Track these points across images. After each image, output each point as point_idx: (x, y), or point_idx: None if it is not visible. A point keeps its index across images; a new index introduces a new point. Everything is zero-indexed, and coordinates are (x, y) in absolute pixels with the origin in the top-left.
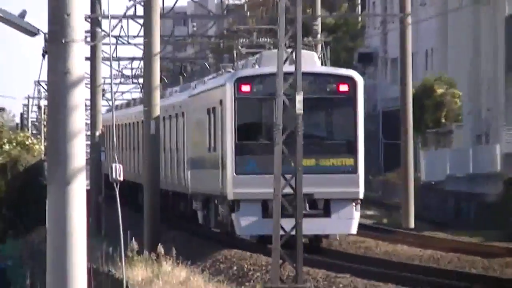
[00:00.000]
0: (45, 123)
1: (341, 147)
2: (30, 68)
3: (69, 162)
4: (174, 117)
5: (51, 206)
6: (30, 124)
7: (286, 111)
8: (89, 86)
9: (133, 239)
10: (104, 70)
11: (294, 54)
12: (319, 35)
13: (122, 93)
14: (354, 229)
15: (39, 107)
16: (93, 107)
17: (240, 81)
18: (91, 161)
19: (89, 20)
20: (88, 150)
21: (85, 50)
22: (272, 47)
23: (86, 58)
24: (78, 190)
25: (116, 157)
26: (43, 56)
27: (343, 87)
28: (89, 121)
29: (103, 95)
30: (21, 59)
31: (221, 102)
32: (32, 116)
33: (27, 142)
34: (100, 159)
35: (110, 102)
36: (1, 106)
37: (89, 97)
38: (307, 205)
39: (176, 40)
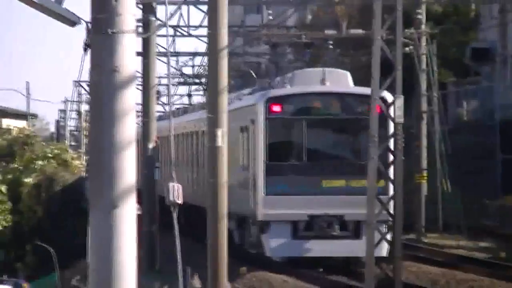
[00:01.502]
0: (86, 132)
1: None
2: (68, 65)
3: (116, 180)
4: (196, 133)
5: (94, 235)
6: (68, 134)
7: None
8: (141, 87)
9: (195, 276)
10: (159, 67)
11: (395, 52)
12: (423, 26)
13: (181, 96)
14: (385, 252)
15: (79, 113)
16: (145, 113)
17: (271, 101)
18: (142, 179)
19: (141, 6)
20: (140, 166)
21: (137, 43)
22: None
23: (138, 53)
24: (127, 215)
25: (174, 174)
26: (85, 50)
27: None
28: (140, 131)
29: (158, 98)
30: (58, 54)
31: (252, 121)
32: (71, 124)
33: (64, 156)
34: (153, 177)
35: (167, 107)
36: (32, 112)
37: (140, 100)
38: (338, 226)
39: (247, 31)
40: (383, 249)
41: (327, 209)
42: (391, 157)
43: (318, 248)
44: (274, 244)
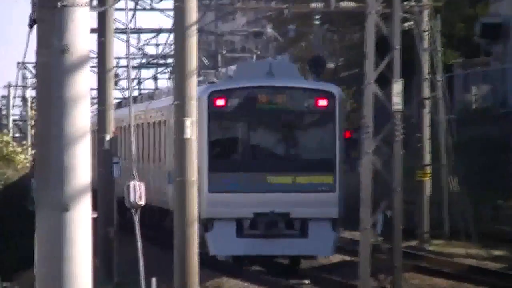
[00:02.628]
0: (33, 122)
1: (320, 164)
2: (12, 44)
3: (66, 179)
4: (157, 124)
5: (42, 242)
6: (11, 125)
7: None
8: (96, 69)
9: None
10: (118, 47)
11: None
12: None
13: (143, 80)
14: (332, 251)
15: (24, 100)
16: (101, 99)
17: (214, 95)
18: (98, 177)
19: None
20: (95, 162)
21: (91, 19)
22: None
23: (92, 30)
24: (80, 219)
25: (135, 171)
26: (31, 27)
27: (322, 102)
28: (95, 120)
29: (116, 83)
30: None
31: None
32: (15, 112)
33: (6, 150)
34: (112, 175)
35: (126, 93)
36: None
37: (95, 85)
38: (284, 225)
39: (220, 5)
40: (330, 248)
41: (273, 206)
42: (339, 151)
43: (263, 247)
44: (218, 242)
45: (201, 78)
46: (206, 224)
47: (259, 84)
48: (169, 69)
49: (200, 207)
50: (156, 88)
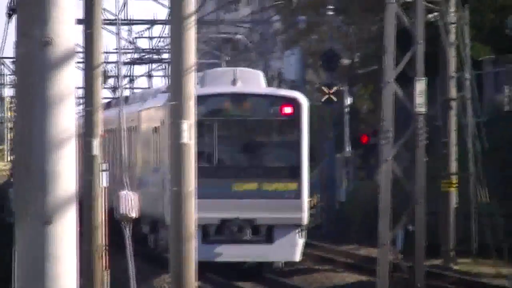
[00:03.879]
0: (10, 124)
1: (284, 171)
2: None
3: (49, 187)
4: (130, 130)
5: (21, 259)
6: None
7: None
8: (82, 65)
9: None
10: (107, 40)
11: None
12: None
13: (134, 78)
14: (297, 257)
15: (0, 99)
16: (88, 99)
17: None
18: (85, 186)
19: None
20: (81, 169)
21: (77, 8)
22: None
23: (78, 21)
24: (66, 232)
25: (126, 179)
26: (9, 16)
27: (287, 109)
28: (82, 122)
29: (105, 80)
30: None
31: (162, 122)
32: None
33: None
34: (100, 184)
35: (117, 92)
36: None
37: (82, 83)
38: (249, 230)
39: None
40: (296, 254)
41: (239, 213)
42: (304, 158)
43: (229, 252)
44: None
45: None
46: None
47: (224, 91)
48: (164, 66)
49: (164, 213)
50: (149, 87)
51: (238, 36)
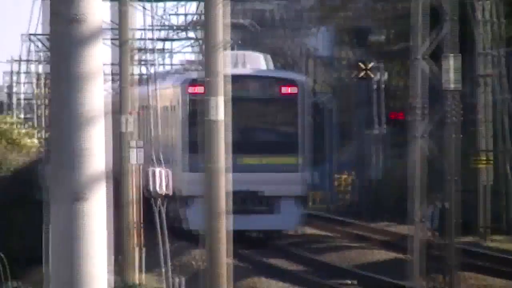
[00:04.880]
0: (39, 102)
1: (285, 146)
2: (18, 15)
3: (80, 164)
4: (146, 108)
5: (54, 236)
6: (21, 103)
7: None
8: (112, 42)
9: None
10: (137, 16)
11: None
12: None
13: (166, 54)
14: (298, 226)
15: (38, 76)
16: (120, 76)
17: (191, 83)
18: (118, 163)
19: None
20: (114, 147)
21: None
22: None
23: None
24: (96, 210)
25: (158, 156)
26: None
27: (287, 89)
28: (114, 99)
29: (139, 56)
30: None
31: (177, 101)
32: (24, 90)
33: (14, 133)
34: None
35: (148, 69)
36: None
37: (111, 60)
38: (255, 201)
39: None
40: (296, 223)
41: (245, 185)
42: (303, 132)
43: (236, 222)
44: (195, 217)
45: (185, 64)
46: (185, 201)
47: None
48: (198, 42)
49: (180, 186)
50: (182, 64)
51: (246, 22)
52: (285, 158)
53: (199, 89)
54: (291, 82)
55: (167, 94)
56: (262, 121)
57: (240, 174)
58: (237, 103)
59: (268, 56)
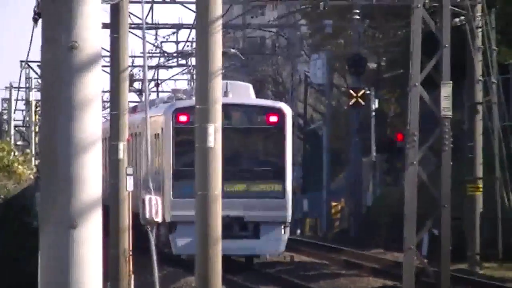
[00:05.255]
0: (37, 128)
1: (270, 173)
2: (14, 41)
3: (75, 191)
4: (137, 135)
5: (46, 264)
6: (12, 130)
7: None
8: (108, 70)
9: None
10: (133, 44)
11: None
12: None
13: (160, 82)
14: (282, 249)
15: (27, 103)
16: (114, 103)
17: (177, 112)
18: (111, 191)
19: None
20: (107, 174)
21: (103, 13)
22: None
23: (104, 25)
24: (91, 237)
25: (151, 185)
26: (35, 21)
27: (273, 118)
28: (107, 126)
29: (131, 84)
30: (1, 30)
31: (162, 130)
32: (17, 117)
33: (7, 159)
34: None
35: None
36: None
37: (108, 87)
38: (238, 227)
39: None
40: (280, 247)
41: (229, 211)
42: (288, 162)
43: (223, 247)
44: (180, 243)
45: (171, 95)
46: (170, 227)
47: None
48: (190, 69)
49: (165, 211)
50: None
51: (232, 50)
52: (271, 185)
53: (183, 118)
54: (278, 111)
55: (153, 122)
56: (248, 148)
57: (228, 200)
58: (225, 130)
59: (250, 86)
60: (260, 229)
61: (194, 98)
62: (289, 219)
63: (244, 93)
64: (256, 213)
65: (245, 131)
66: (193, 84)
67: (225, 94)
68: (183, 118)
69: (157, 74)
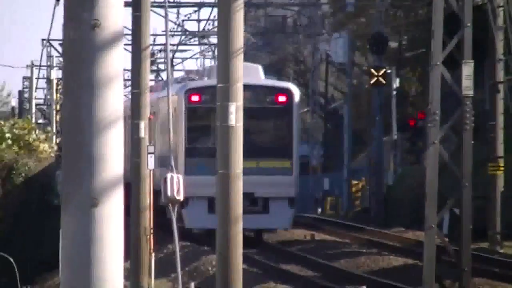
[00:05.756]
0: (58, 106)
1: (279, 151)
2: (36, 20)
3: (96, 170)
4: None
5: (67, 241)
6: (34, 109)
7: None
8: (130, 48)
9: None
10: (155, 23)
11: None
12: None
13: (183, 60)
14: (289, 225)
15: (49, 81)
16: (136, 82)
17: (190, 92)
18: (132, 168)
19: None
20: (128, 152)
21: None
22: None
23: (126, 4)
24: (112, 215)
25: (173, 163)
26: (57, 0)
27: (282, 98)
28: (129, 105)
29: (153, 62)
30: (21, 5)
31: (175, 109)
32: (39, 95)
33: (29, 138)
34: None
35: (164, 75)
36: None
37: (129, 66)
38: (248, 202)
39: None
40: (287, 222)
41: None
42: (296, 140)
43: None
44: (192, 217)
45: (184, 75)
46: (182, 203)
47: None
48: (211, 48)
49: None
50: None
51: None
52: (280, 162)
53: (195, 98)
54: (286, 91)
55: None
56: (258, 127)
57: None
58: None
59: (260, 67)
60: (269, 204)
61: (206, 78)
62: (295, 194)
63: (254, 74)
64: (265, 189)
65: (255, 111)
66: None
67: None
68: (195, 98)
69: (173, 54)
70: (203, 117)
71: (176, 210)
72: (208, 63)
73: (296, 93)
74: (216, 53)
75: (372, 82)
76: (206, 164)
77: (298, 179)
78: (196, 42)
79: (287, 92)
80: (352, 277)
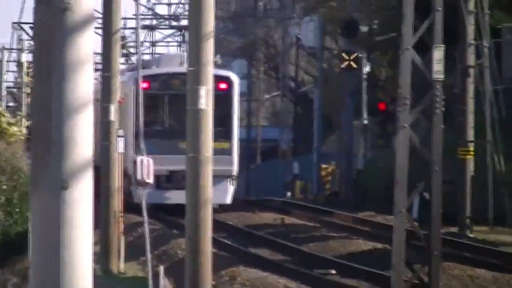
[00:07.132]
0: (28, 89)
1: (220, 133)
2: (6, 4)
3: (66, 153)
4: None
5: (36, 225)
6: (4, 92)
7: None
8: (100, 32)
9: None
10: (125, 6)
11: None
12: None
13: (153, 43)
14: (229, 200)
15: (18, 64)
16: (106, 65)
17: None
18: (101, 152)
19: None
20: (98, 135)
21: None
22: None
23: None
24: (82, 198)
25: (143, 146)
26: None
27: (222, 85)
28: (99, 88)
29: (123, 46)
30: None
31: (126, 95)
32: (8, 78)
33: (3, 121)
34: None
35: (134, 58)
36: None
37: (100, 49)
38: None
39: None
40: (227, 198)
41: (183, 165)
42: (235, 123)
43: (175, 196)
44: (139, 193)
45: (134, 64)
46: (131, 180)
47: (173, 71)
48: (181, 32)
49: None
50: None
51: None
52: (220, 143)
53: (144, 85)
54: (227, 79)
55: (122, 87)
56: None
57: (183, 156)
58: (178, 96)
59: None
60: (213, 181)
61: (154, 67)
62: (235, 173)
63: None
64: None
65: None
66: (181, 48)
67: (181, 64)
68: (144, 85)
69: (152, 36)
70: (151, 102)
71: (145, 193)
72: (174, 50)
73: (236, 81)
74: (186, 37)
75: (343, 66)
76: (153, 145)
77: (238, 159)
78: (167, 26)
79: (228, 80)
80: (322, 261)
